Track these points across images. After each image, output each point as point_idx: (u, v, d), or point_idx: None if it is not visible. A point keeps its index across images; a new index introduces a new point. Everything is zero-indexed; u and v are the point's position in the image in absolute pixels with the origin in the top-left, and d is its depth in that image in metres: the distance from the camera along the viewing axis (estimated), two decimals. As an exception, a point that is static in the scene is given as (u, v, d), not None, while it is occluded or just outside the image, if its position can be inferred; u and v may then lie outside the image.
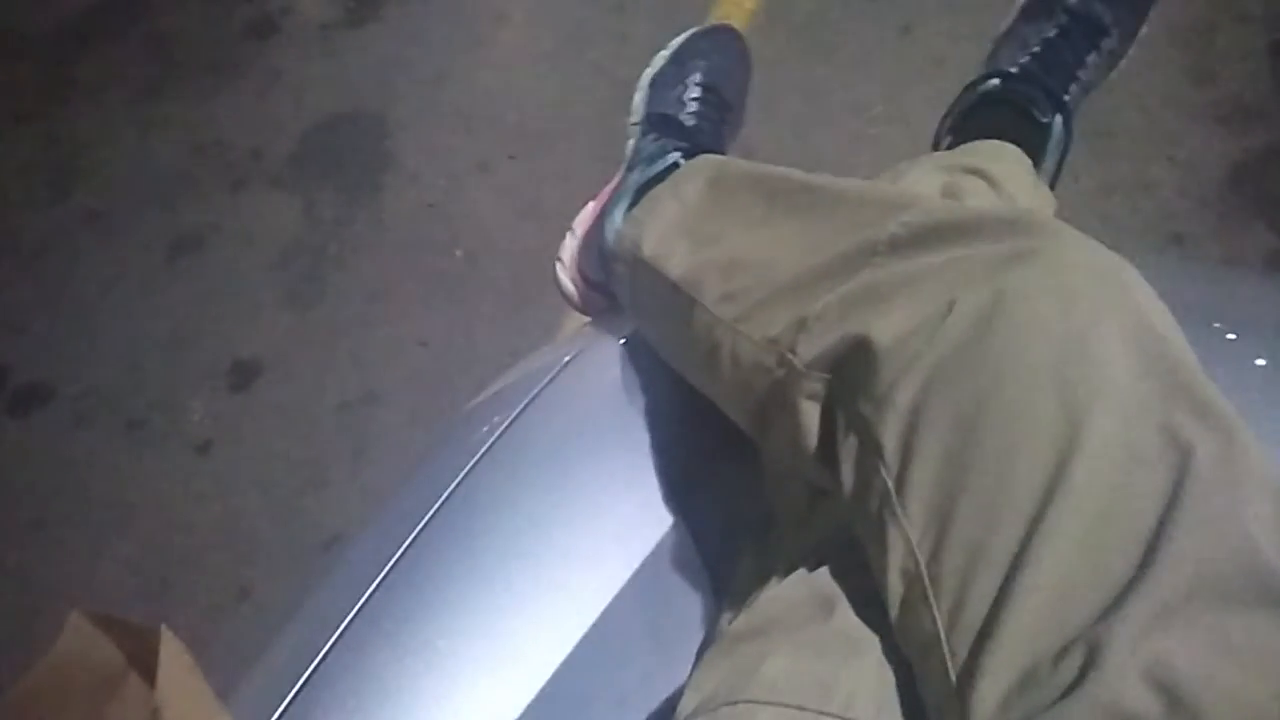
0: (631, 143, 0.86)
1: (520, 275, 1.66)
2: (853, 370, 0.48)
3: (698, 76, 0.86)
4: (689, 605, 0.64)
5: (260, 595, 1.45)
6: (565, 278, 0.90)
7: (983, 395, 0.42)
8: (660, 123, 0.84)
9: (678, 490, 0.70)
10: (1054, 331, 0.42)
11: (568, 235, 0.90)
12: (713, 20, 1.73)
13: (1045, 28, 0.85)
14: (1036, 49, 0.84)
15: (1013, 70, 0.83)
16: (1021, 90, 0.82)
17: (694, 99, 0.85)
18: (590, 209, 0.90)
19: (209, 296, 1.74)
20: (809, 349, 0.51)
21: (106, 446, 1.61)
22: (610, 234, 0.79)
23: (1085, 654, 0.36)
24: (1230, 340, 0.72)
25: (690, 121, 0.84)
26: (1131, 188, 1.59)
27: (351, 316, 1.68)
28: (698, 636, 0.62)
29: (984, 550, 0.40)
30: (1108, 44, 0.84)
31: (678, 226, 0.68)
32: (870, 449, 0.46)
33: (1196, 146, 1.61)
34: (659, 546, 0.67)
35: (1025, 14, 0.88)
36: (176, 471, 1.58)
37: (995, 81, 0.83)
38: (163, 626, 0.41)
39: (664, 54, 0.88)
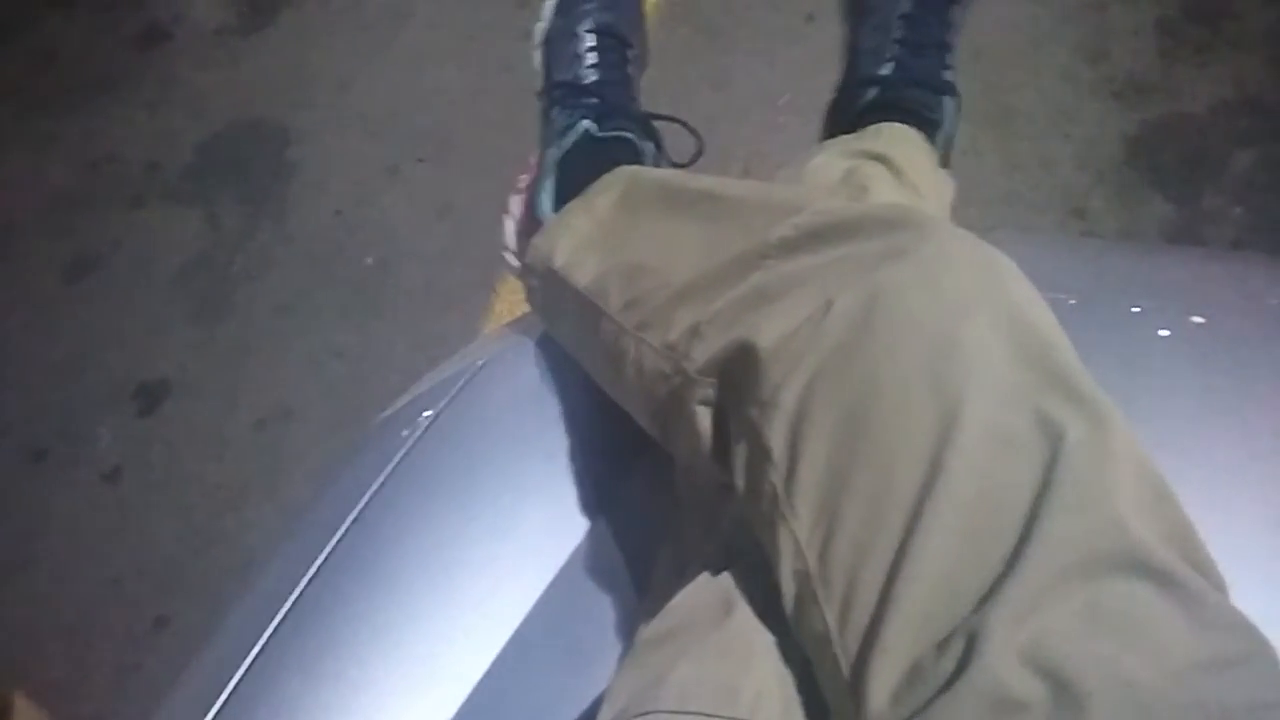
0: (541, 115, 0.85)
1: (435, 279, 1.63)
2: (740, 374, 0.49)
3: (588, 24, 0.84)
4: (608, 612, 0.63)
5: (180, 623, 1.41)
6: (513, 261, 0.88)
7: (862, 393, 0.43)
8: (564, 91, 0.83)
9: (594, 495, 0.69)
10: (927, 326, 0.43)
11: (506, 220, 0.89)
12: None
13: (898, 0, 0.83)
14: (898, 32, 0.83)
15: (885, 73, 0.83)
16: (905, 95, 0.82)
17: (590, 49, 0.84)
18: (522, 193, 0.89)
19: (110, 317, 1.68)
20: (701, 354, 0.52)
21: (10, 478, 1.55)
22: (540, 215, 0.79)
23: (965, 643, 0.36)
24: (1135, 313, 0.74)
25: (592, 77, 0.83)
26: (1032, 165, 1.62)
27: (261, 330, 1.64)
28: (618, 644, 0.61)
29: (868, 547, 0.41)
30: None
31: (588, 239, 0.69)
32: (759, 452, 0.46)
33: (1092, 122, 1.66)
34: (576, 553, 0.66)
35: None
36: (85, 501, 1.52)
37: (874, 91, 0.83)
38: (17, 693, 0.39)
39: (549, 3, 0.86)
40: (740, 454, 0.48)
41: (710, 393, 0.51)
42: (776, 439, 0.45)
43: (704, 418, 0.52)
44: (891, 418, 0.42)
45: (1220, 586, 0.39)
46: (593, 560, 0.66)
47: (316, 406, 1.55)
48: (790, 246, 0.50)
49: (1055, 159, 1.63)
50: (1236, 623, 0.36)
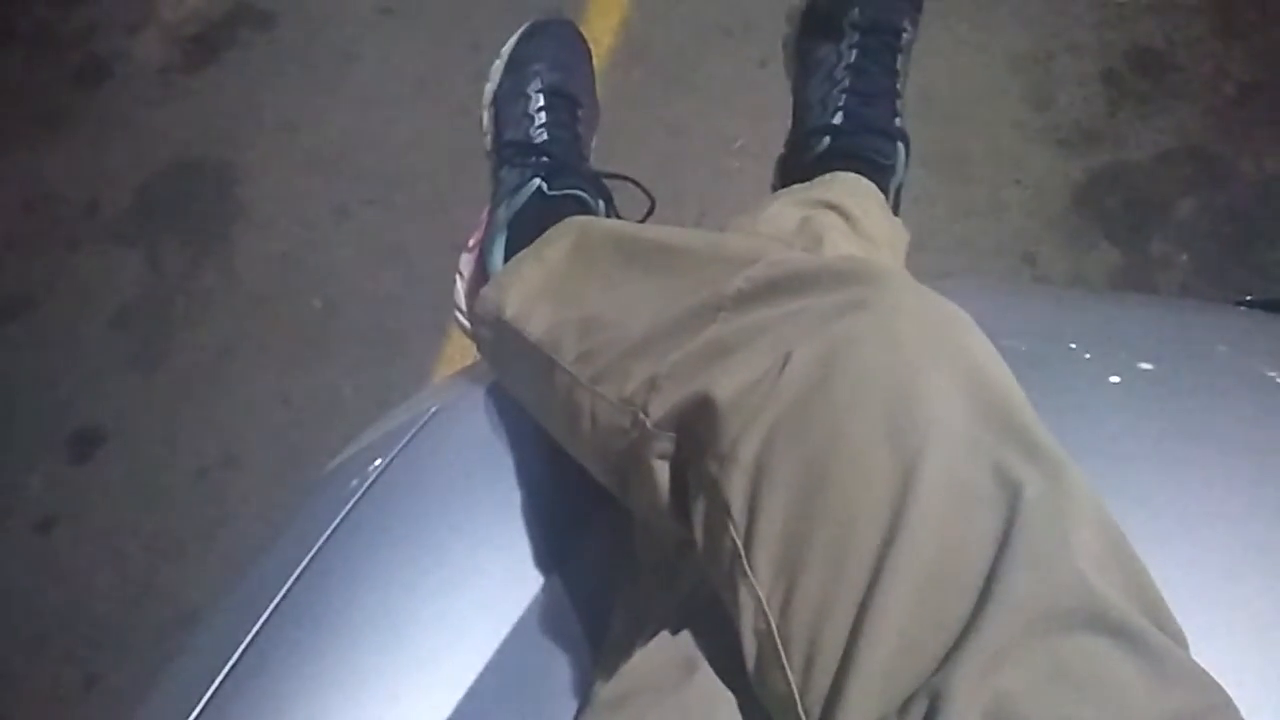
0: (492, 175, 0.84)
1: (384, 323, 1.60)
2: (698, 428, 0.48)
3: (537, 84, 0.84)
4: (564, 669, 0.61)
5: (111, 681, 1.35)
6: (465, 321, 0.87)
7: (821, 447, 0.42)
8: (514, 150, 0.82)
9: (549, 549, 0.67)
10: (885, 380, 0.43)
11: (457, 279, 0.88)
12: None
13: (843, 51, 0.84)
14: (846, 82, 0.84)
15: (836, 123, 0.83)
16: (857, 143, 0.83)
17: (540, 109, 0.83)
18: (472, 251, 0.88)
19: (43, 362, 1.63)
20: (659, 408, 0.51)
21: (-67, 531, 1.48)
22: (492, 273, 0.78)
23: (928, 704, 0.36)
24: (1086, 360, 0.74)
25: (543, 137, 0.83)
26: (984, 211, 1.64)
27: (203, 375, 1.59)
28: (574, 701, 0.59)
29: (830, 606, 0.40)
30: (908, 37, 0.85)
31: (540, 289, 0.68)
32: (718, 507, 0.45)
33: (1041, 169, 1.68)
34: (531, 609, 0.63)
35: (811, 33, 0.87)
36: (15, 552, 1.46)
37: (826, 140, 0.84)
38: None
39: (498, 64, 0.86)
40: (699, 509, 0.47)
41: (668, 446, 0.50)
42: (735, 494, 0.44)
43: (662, 472, 0.51)
44: (850, 472, 0.41)
45: (1180, 639, 0.39)
46: (548, 616, 0.63)
47: (260, 454, 1.50)
48: (746, 299, 0.50)
49: (1005, 205, 1.65)
50: (1197, 677, 0.37)
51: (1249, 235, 1.60)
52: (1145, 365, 0.72)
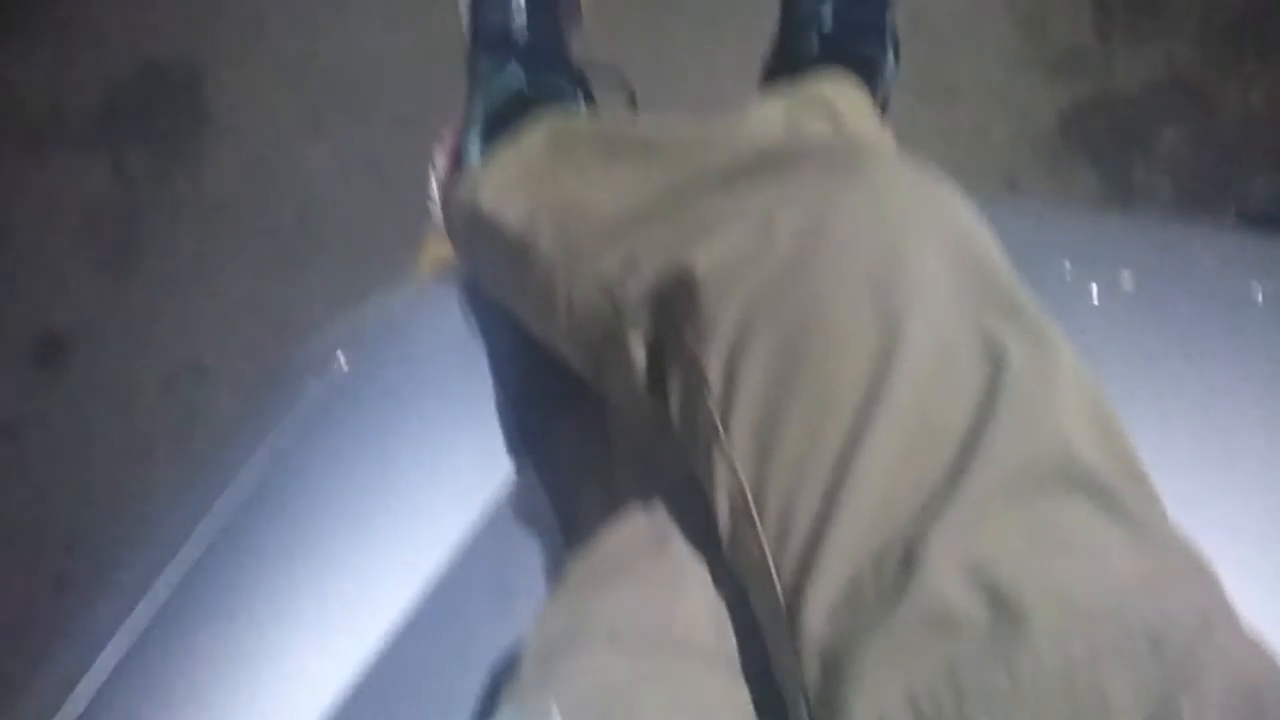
0: (468, 64, 0.82)
1: (356, 232, 1.57)
2: (677, 302, 0.47)
3: None
4: (536, 556, 0.61)
5: (81, 583, 1.35)
6: (438, 213, 0.86)
7: (804, 315, 0.42)
8: (493, 39, 0.80)
9: (522, 440, 0.66)
10: (871, 247, 0.42)
11: (430, 172, 0.86)
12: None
13: None
14: None
15: (824, 23, 0.82)
16: (845, 45, 0.81)
17: None
18: (447, 143, 0.86)
19: (10, 268, 1.59)
20: (637, 285, 0.50)
21: (-107, 437, 1.46)
22: (468, 165, 0.77)
23: (904, 560, 0.36)
24: (1067, 273, 0.73)
25: (521, 23, 0.81)
26: (967, 135, 1.63)
27: (172, 283, 1.56)
28: (546, 588, 0.59)
29: (806, 470, 0.40)
30: None
31: (517, 179, 0.67)
32: (696, 378, 0.45)
33: (1027, 95, 1.67)
34: (503, 499, 0.63)
35: None
36: (-23, 459, 1.44)
37: (814, 41, 0.82)
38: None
39: None
40: (676, 385, 0.47)
41: (646, 323, 0.50)
42: (714, 364, 0.43)
43: (638, 350, 0.50)
44: (832, 339, 0.41)
45: (1159, 505, 0.39)
46: (521, 506, 0.63)
47: (230, 363, 1.49)
48: (730, 177, 0.49)
49: (991, 130, 1.64)
50: (1175, 540, 0.37)
51: (1232, 165, 1.60)
52: (1127, 281, 0.72)
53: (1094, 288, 0.72)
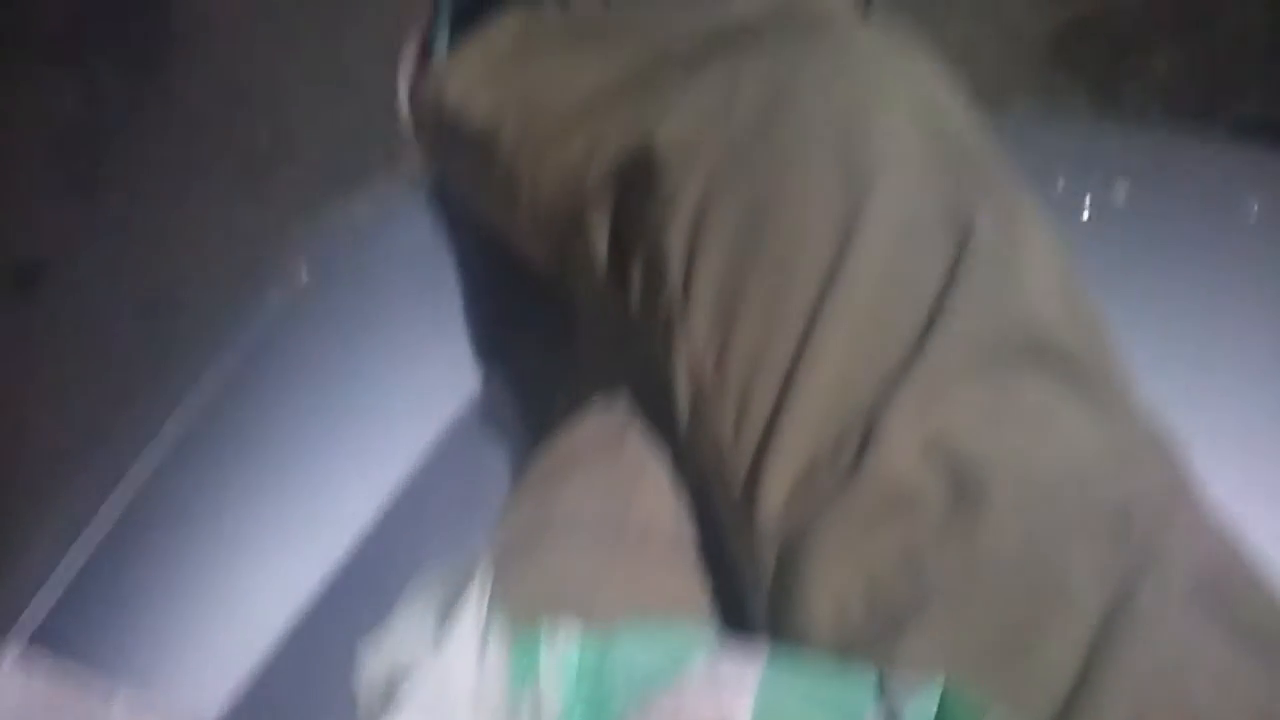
0: None
1: (333, 152, 1.54)
2: (639, 183, 0.46)
3: None
4: (503, 468, 0.60)
5: (62, 511, 1.34)
6: (406, 112, 0.83)
7: (764, 190, 0.40)
8: None
9: (488, 350, 0.65)
10: (834, 117, 0.41)
11: (400, 73, 0.83)
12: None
13: None
14: None
15: None
16: None
17: None
18: (416, 41, 0.83)
19: (-24, 193, 1.56)
20: (599, 167, 0.48)
21: None
22: (436, 61, 0.74)
23: (861, 438, 0.35)
24: (1060, 186, 0.71)
25: None
26: (957, 53, 1.57)
27: (146, 205, 1.53)
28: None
29: (766, 347, 0.38)
30: None
31: (483, 73, 0.65)
32: (656, 259, 0.43)
33: (1019, 14, 1.63)
34: (469, 407, 0.62)
35: None
36: (-46, 386, 1.42)
37: None
38: None
39: None
40: (638, 268, 0.45)
41: (608, 205, 0.48)
42: (675, 244, 0.42)
43: (601, 237, 0.48)
44: (794, 213, 0.39)
45: (1126, 379, 0.38)
46: (486, 414, 0.62)
47: (206, 288, 1.47)
48: (692, 53, 0.47)
49: (981, 51, 1.60)
50: (1141, 415, 0.36)
51: (1225, 88, 1.57)
52: (1121, 196, 0.71)
53: (1087, 200, 0.70)
